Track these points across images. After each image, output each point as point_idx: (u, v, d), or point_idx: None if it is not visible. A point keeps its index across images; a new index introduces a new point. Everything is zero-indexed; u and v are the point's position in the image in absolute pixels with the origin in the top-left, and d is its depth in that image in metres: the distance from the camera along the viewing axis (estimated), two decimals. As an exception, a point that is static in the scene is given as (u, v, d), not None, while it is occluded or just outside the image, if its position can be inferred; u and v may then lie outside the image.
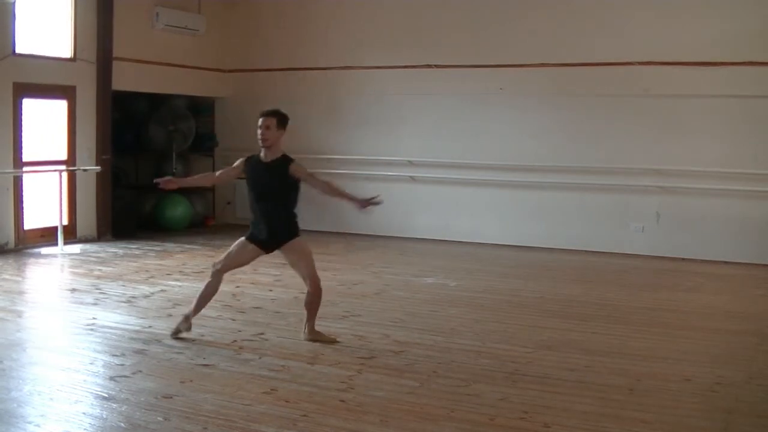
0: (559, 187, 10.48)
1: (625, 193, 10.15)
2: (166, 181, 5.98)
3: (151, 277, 8.22)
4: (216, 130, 12.72)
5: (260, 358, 5.41)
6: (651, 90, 9.89)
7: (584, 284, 8.30)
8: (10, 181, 9.52)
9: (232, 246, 5.88)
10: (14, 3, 9.27)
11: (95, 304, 6.95)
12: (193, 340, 5.76)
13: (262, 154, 5.82)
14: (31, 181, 9.88)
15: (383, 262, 9.46)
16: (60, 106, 10.24)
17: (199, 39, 11.90)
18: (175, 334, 5.79)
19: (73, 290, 7.59)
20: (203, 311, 5.93)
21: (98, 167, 10.46)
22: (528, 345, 5.85)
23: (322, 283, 5.88)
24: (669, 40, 9.73)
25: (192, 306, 5.85)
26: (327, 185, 5.82)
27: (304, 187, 5.82)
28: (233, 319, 6.46)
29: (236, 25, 12.41)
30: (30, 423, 4.15)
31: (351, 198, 5.67)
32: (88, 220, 10.56)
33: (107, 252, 9.76)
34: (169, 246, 10.22)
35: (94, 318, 6.40)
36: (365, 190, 11.38)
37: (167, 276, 8.25)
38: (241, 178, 6.02)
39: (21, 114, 9.59)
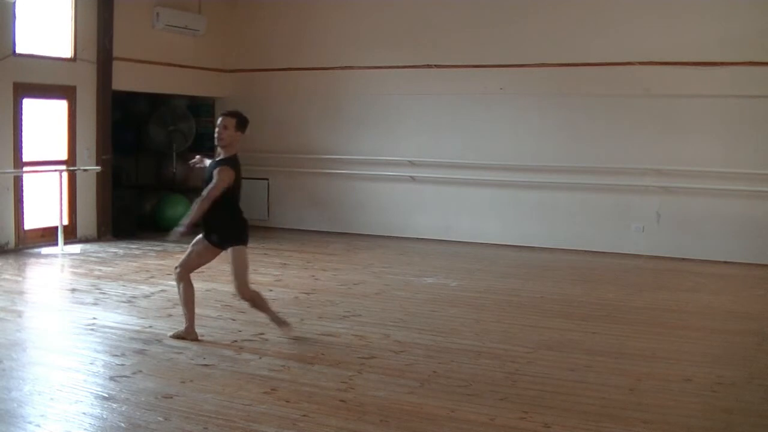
0: (559, 187, 10.48)
1: (626, 193, 10.15)
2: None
3: (152, 277, 8.22)
4: (216, 130, 12.72)
5: (260, 358, 5.41)
6: (651, 90, 9.89)
7: (584, 284, 8.30)
8: (10, 181, 9.52)
9: (191, 245, 5.84)
10: (14, 3, 9.27)
11: (95, 304, 6.95)
12: (194, 340, 5.76)
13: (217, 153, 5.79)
14: (31, 181, 9.88)
15: (383, 262, 9.46)
16: (60, 106, 10.24)
17: (199, 39, 11.90)
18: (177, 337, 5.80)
19: (74, 290, 7.59)
20: (202, 311, 5.93)
21: (98, 167, 10.46)
22: (528, 345, 5.85)
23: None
24: (669, 40, 9.73)
25: (185, 317, 5.82)
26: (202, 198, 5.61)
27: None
28: (233, 319, 6.46)
29: (236, 25, 12.41)
30: (30, 423, 4.15)
31: (189, 219, 5.55)
32: (88, 220, 10.57)
33: (107, 252, 9.76)
34: (169, 246, 10.21)
35: (94, 318, 6.40)
36: (365, 190, 11.59)
37: (167, 276, 8.23)
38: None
39: (21, 114, 9.59)
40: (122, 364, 5.19)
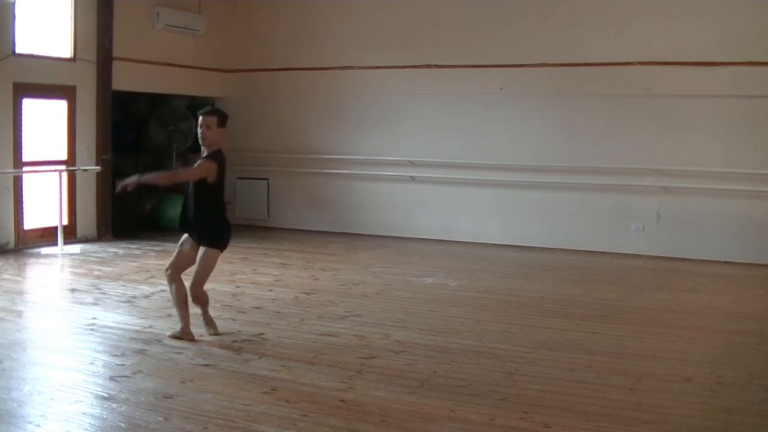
0: (559, 187, 10.48)
1: (626, 193, 10.15)
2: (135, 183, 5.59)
3: (152, 277, 8.22)
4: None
5: (260, 358, 5.41)
6: (651, 90, 9.89)
7: (584, 284, 8.30)
8: (10, 181, 9.52)
9: (178, 245, 5.88)
10: (14, 3, 9.27)
11: (95, 304, 6.95)
12: (193, 340, 5.76)
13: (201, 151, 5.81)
14: (31, 181, 9.88)
15: (384, 262, 9.46)
16: (60, 106, 10.24)
17: (199, 39, 11.90)
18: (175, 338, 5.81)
19: (73, 290, 7.59)
20: (199, 311, 5.95)
21: (98, 167, 10.46)
22: (528, 345, 5.85)
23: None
24: (669, 40, 9.73)
25: (180, 317, 5.83)
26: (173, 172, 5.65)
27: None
28: (233, 319, 6.46)
29: (236, 25, 12.41)
30: (30, 423, 4.15)
31: (145, 178, 5.61)
32: (88, 220, 10.57)
33: (107, 252, 9.76)
34: (169, 246, 10.16)
35: (94, 318, 6.40)
36: (365, 190, 11.59)
37: (167, 276, 8.25)
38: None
39: (21, 114, 9.59)
40: (122, 364, 5.19)
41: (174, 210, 11.63)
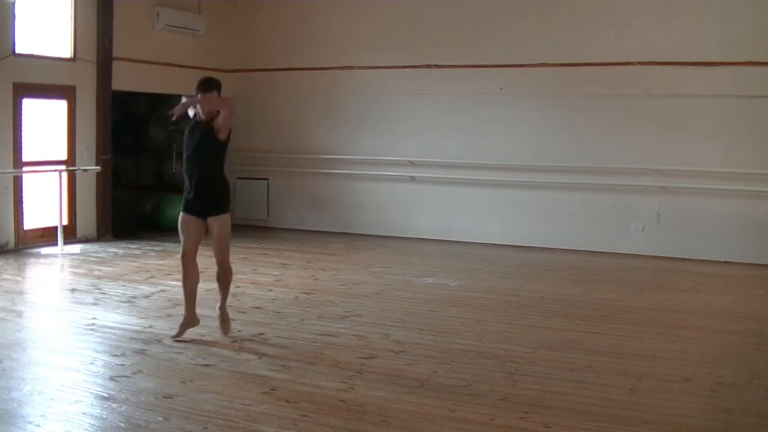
0: (559, 187, 10.48)
1: (626, 193, 10.15)
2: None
3: (152, 277, 8.22)
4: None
5: (260, 358, 5.41)
6: (651, 90, 9.89)
7: (584, 284, 8.30)
8: (10, 181, 9.52)
9: (180, 233, 5.82)
10: (14, 3, 9.27)
11: (95, 304, 6.95)
12: (193, 340, 5.76)
13: (198, 117, 5.77)
14: (31, 181, 9.88)
15: (383, 262, 9.46)
16: (60, 106, 10.24)
17: (199, 39, 11.89)
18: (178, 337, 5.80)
19: (73, 290, 7.59)
20: (202, 311, 5.94)
21: (98, 167, 10.46)
22: (528, 345, 5.85)
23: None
24: (669, 40, 9.73)
25: (186, 309, 5.82)
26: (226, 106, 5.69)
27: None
28: (233, 319, 6.43)
29: (236, 25, 12.40)
30: (30, 423, 4.15)
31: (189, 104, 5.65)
32: (88, 220, 10.56)
33: (107, 252, 9.76)
34: (169, 246, 10.20)
35: (94, 318, 6.41)
36: (365, 190, 11.59)
37: (167, 276, 8.25)
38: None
39: (21, 114, 9.59)
40: (122, 364, 5.19)
41: (174, 210, 11.68)
